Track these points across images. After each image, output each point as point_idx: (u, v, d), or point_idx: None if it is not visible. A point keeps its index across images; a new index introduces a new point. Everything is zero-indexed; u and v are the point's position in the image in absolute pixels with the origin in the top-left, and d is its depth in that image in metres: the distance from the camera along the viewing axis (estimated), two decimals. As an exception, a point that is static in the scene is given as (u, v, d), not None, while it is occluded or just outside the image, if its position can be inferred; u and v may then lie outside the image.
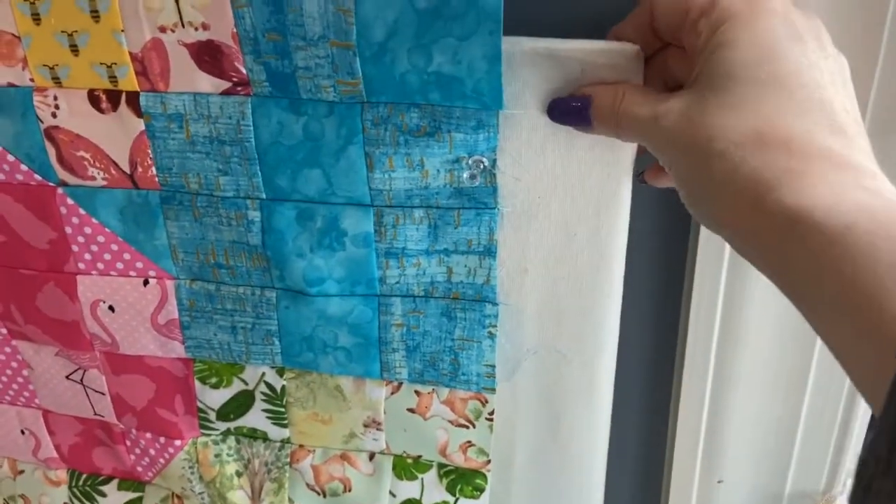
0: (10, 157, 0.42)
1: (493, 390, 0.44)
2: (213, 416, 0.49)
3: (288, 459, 0.49)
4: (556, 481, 0.47)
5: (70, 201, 0.43)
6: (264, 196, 0.41)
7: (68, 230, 0.44)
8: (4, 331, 0.49)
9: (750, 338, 0.46)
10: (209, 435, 0.50)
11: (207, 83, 0.38)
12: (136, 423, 0.50)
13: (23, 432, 0.53)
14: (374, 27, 0.35)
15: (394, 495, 0.49)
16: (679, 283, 0.45)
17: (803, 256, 0.26)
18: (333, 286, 0.43)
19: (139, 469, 0.52)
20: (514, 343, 0.43)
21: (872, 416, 0.24)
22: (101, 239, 0.44)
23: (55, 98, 0.40)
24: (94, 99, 0.40)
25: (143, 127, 0.40)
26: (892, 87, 0.39)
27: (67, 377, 0.50)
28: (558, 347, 0.43)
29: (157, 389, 0.49)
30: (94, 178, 0.42)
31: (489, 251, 0.41)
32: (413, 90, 0.36)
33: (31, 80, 0.40)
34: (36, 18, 0.38)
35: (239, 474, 0.51)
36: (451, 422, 0.46)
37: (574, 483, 0.47)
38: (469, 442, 0.46)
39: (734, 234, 0.30)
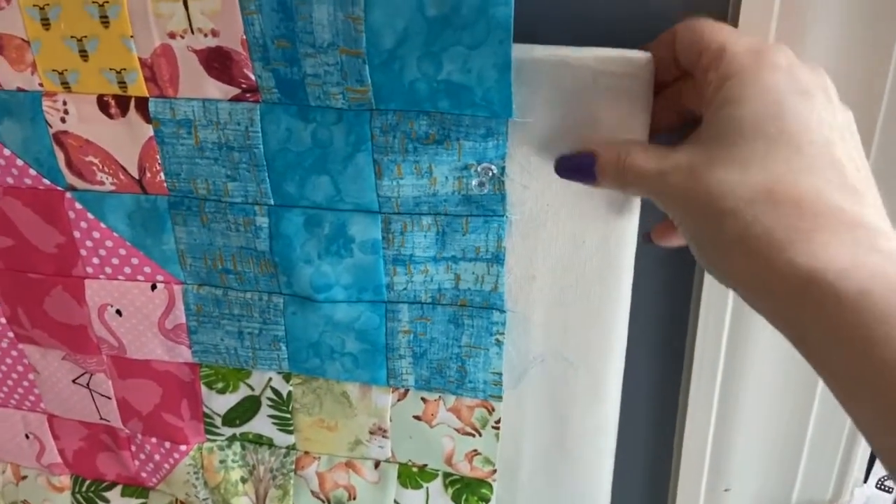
0: (19, 162, 0.42)
1: (499, 398, 0.44)
2: (218, 421, 0.49)
3: (293, 466, 0.49)
4: (563, 490, 0.46)
5: (78, 206, 0.43)
6: (272, 202, 0.41)
7: (76, 234, 0.44)
8: (11, 334, 0.49)
9: (758, 345, 0.45)
10: (215, 440, 0.50)
11: (216, 89, 0.38)
12: (142, 428, 0.50)
13: (27, 437, 0.53)
14: (383, 35, 0.35)
15: (399, 504, 0.49)
16: (687, 291, 0.45)
17: (817, 319, 0.26)
18: (341, 292, 0.42)
19: (143, 475, 0.52)
20: (521, 350, 0.43)
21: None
22: (109, 243, 0.44)
23: (64, 103, 0.40)
24: (103, 104, 0.40)
25: (151, 132, 0.40)
26: (892, 138, 0.39)
27: (74, 381, 0.50)
28: (565, 355, 0.43)
29: (163, 394, 0.48)
30: (102, 183, 0.42)
31: (497, 258, 0.41)
32: (422, 98, 0.36)
33: (41, 84, 0.40)
34: (45, 24, 0.38)
35: (244, 480, 0.50)
36: (457, 430, 0.45)
37: (581, 492, 0.46)
38: (475, 451, 0.46)
39: (746, 292, 0.29)
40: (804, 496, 0.52)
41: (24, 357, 0.50)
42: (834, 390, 0.27)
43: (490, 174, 0.39)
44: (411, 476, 0.48)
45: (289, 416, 0.48)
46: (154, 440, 0.50)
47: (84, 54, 0.38)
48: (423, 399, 0.45)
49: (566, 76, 0.36)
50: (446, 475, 0.47)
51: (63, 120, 0.41)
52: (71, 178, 0.42)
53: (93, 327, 0.46)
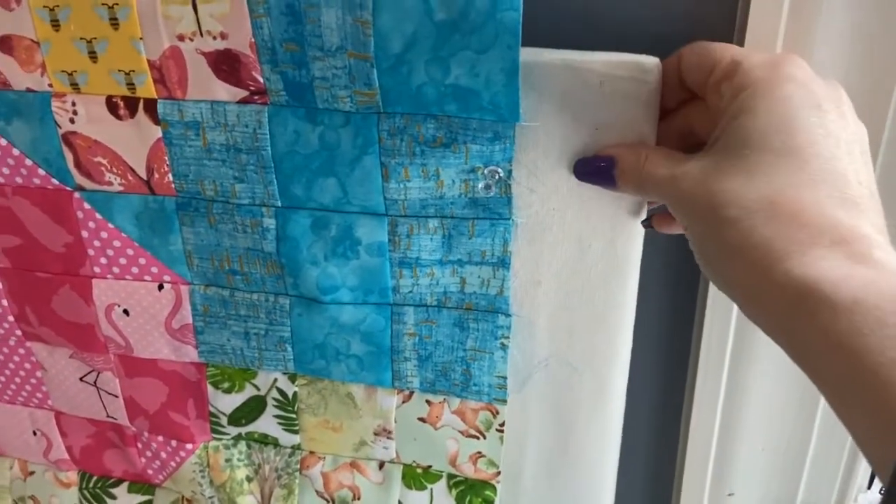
0: (28, 162, 0.43)
1: (504, 401, 0.44)
2: (224, 420, 0.49)
3: (298, 466, 0.49)
4: (566, 493, 0.46)
5: (87, 206, 0.43)
6: (279, 204, 0.41)
7: (84, 234, 0.44)
8: (19, 332, 0.49)
9: (763, 351, 0.45)
10: (220, 439, 0.50)
11: (225, 92, 0.38)
12: (149, 426, 0.50)
13: (35, 433, 0.54)
14: (391, 39, 0.35)
15: (403, 504, 0.49)
16: (692, 296, 0.45)
17: (811, 329, 0.26)
18: (347, 294, 0.43)
19: (150, 472, 0.52)
20: (526, 354, 0.43)
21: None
22: (116, 243, 0.44)
23: (73, 104, 0.40)
24: (111, 105, 0.40)
25: (160, 134, 0.40)
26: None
27: (81, 379, 0.50)
28: (570, 359, 0.43)
29: (169, 393, 0.49)
30: (110, 184, 0.42)
31: (503, 262, 0.41)
32: (430, 102, 0.36)
33: (50, 85, 0.40)
34: (55, 25, 0.38)
35: (249, 479, 0.51)
36: (461, 432, 0.46)
37: (584, 495, 0.46)
38: (479, 453, 0.46)
39: (743, 299, 0.30)
40: (808, 500, 0.52)
41: (31, 355, 0.50)
42: (828, 399, 0.27)
43: (497, 177, 0.39)
44: (415, 477, 0.48)
45: (294, 416, 0.48)
46: (160, 438, 0.50)
47: (93, 56, 0.39)
48: (427, 401, 0.45)
49: (574, 80, 0.36)
50: (450, 476, 0.48)
51: (72, 121, 0.41)
52: (79, 179, 0.43)
53: (100, 326, 0.47)
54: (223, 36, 0.37)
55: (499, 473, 0.47)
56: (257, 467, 0.50)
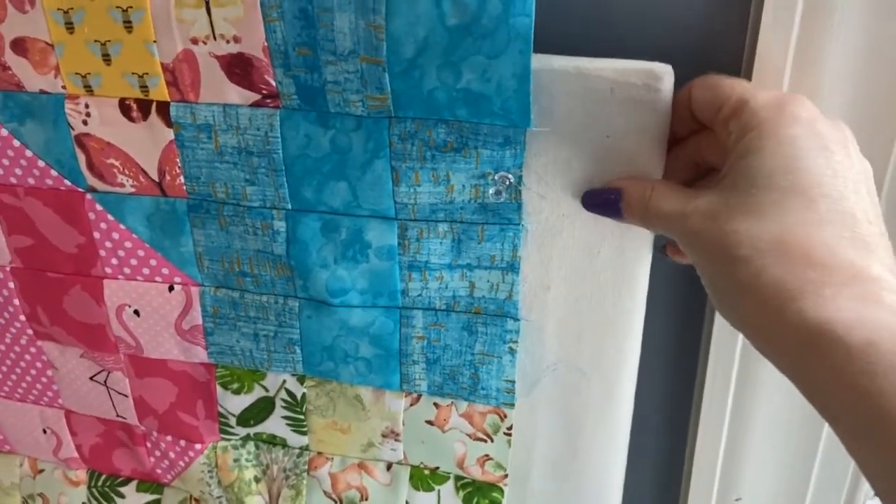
0: (41, 163, 0.43)
1: (511, 405, 0.44)
2: (233, 421, 0.49)
3: (306, 466, 0.50)
4: (574, 497, 0.47)
5: (98, 207, 0.43)
6: (290, 207, 0.41)
7: (96, 235, 0.44)
8: (31, 331, 0.49)
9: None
10: (229, 440, 0.50)
11: (237, 95, 0.39)
12: (158, 426, 0.50)
13: (45, 431, 0.54)
14: (404, 43, 0.35)
15: (410, 506, 0.49)
16: (701, 302, 0.45)
17: (824, 370, 0.26)
18: (356, 297, 0.43)
19: (159, 471, 0.53)
20: (535, 359, 0.43)
21: None
22: (128, 244, 0.44)
23: (86, 106, 0.41)
24: (124, 108, 0.40)
25: (172, 136, 0.40)
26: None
27: (91, 378, 0.50)
28: (578, 364, 0.43)
29: (178, 393, 0.49)
30: (122, 185, 0.43)
31: (512, 267, 0.41)
32: (441, 106, 0.37)
33: (63, 87, 0.41)
34: (69, 27, 0.39)
35: (257, 480, 0.51)
36: (469, 435, 0.46)
37: (591, 499, 0.46)
38: (487, 455, 0.46)
39: (755, 337, 0.30)
40: (816, 505, 0.52)
41: (42, 354, 0.50)
42: (840, 438, 0.27)
43: (507, 183, 0.39)
44: (423, 478, 0.48)
45: (302, 417, 0.48)
46: (169, 438, 0.51)
47: (107, 58, 0.39)
48: (435, 404, 0.45)
49: (585, 87, 0.36)
50: (458, 478, 0.48)
51: (85, 122, 0.41)
52: (92, 180, 0.43)
53: (111, 326, 0.47)
54: (236, 39, 0.37)
55: (506, 476, 0.47)
56: (265, 468, 0.51)
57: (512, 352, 0.43)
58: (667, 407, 0.49)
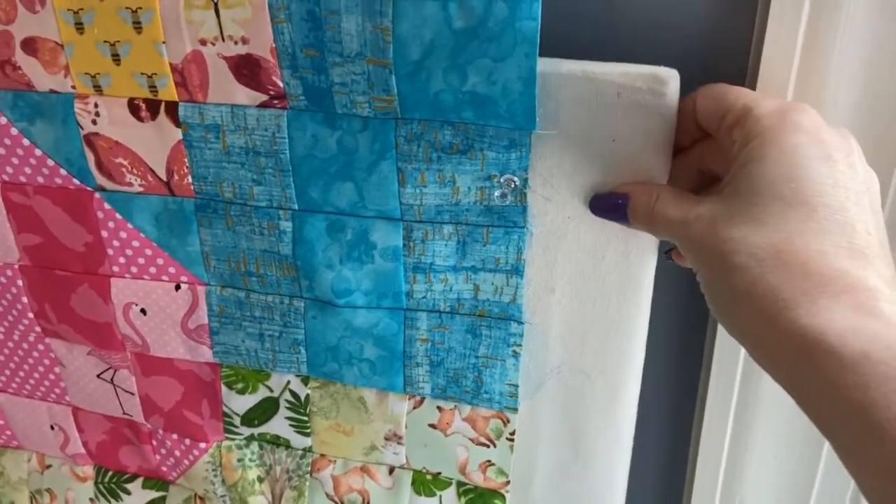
0: (50, 162, 0.43)
1: (514, 410, 0.44)
2: (237, 420, 0.49)
3: (309, 468, 0.50)
4: (576, 502, 0.46)
5: (107, 206, 0.44)
6: (296, 207, 0.41)
7: (104, 234, 0.45)
8: (39, 329, 0.50)
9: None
10: (233, 439, 0.50)
11: (245, 96, 0.39)
12: (163, 424, 0.51)
13: (52, 427, 0.54)
14: (410, 46, 0.35)
15: (412, 510, 0.49)
16: (705, 304, 0.45)
17: (818, 380, 0.26)
18: (361, 298, 0.43)
19: (164, 469, 0.53)
20: (538, 362, 0.43)
21: None
22: (135, 243, 0.45)
23: (96, 105, 0.41)
24: (133, 107, 0.41)
25: (180, 136, 0.41)
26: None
27: (98, 376, 0.51)
28: (582, 368, 0.43)
29: (184, 392, 0.49)
30: (131, 185, 0.43)
31: (517, 270, 0.41)
32: (447, 108, 0.37)
33: (73, 87, 0.41)
34: (79, 28, 0.39)
35: (260, 480, 0.51)
36: (471, 439, 0.46)
37: (594, 505, 0.46)
38: (489, 461, 0.46)
39: (750, 345, 0.30)
40: (821, 512, 0.51)
41: (50, 351, 0.51)
42: (835, 448, 0.27)
43: (512, 186, 0.39)
44: (425, 483, 0.48)
45: (306, 418, 0.48)
46: (175, 436, 0.51)
47: (116, 58, 0.39)
48: (438, 408, 0.45)
49: (591, 91, 0.36)
50: (460, 484, 0.48)
51: (94, 122, 0.41)
52: (100, 179, 0.43)
53: (118, 325, 0.47)
54: (244, 41, 0.37)
55: (508, 483, 0.47)
56: (269, 468, 0.51)
57: (515, 355, 0.43)
58: (670, 411, 0.49)
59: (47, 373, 0.52)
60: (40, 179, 0.44)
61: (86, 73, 0.40)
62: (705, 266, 0.32)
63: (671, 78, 0.35)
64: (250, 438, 0.50)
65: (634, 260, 0.40)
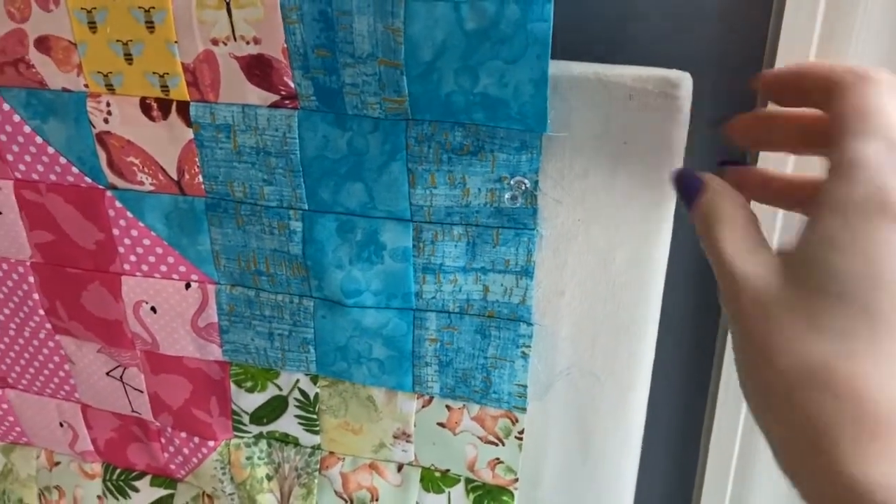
0: (62, 160, 0.44)
1: (523, 410, 0.44)
2: (246, 419, 0.50)
3: (318, 466, 0.50)
4: (584, 503, 0.46)
5: (118, 204, 0.44)
6: (307, 207, 0.41)
7: (115, 232, 0.45)
8: (49, 326, 0.50)
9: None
10: (242, 437, 0.51)
11: (256, 96, 0.39)
12: (172, 422, 0.51)
13: (61, 424, 0.55)
14: (422, 47, 0.35)
15: (420, 507, 0.49)
16: (716, 308, 0.45)
17: None
18: (370, 298, 0.43)
19: (172, 466, 0.53)
20: (547, 364, 0.43)
21: None
22: (146, 242, 0.45)
23: (108, 104, 0.41)
24: (145, 107, 0.41)
25: (191, 136, 0.41)
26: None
27: (108, 374, 0.51)
28: (592, 370, 0.43)
29: (193, 390, 0.49)
30: (142, 183, 0.43)
31: (526, 271, 0.41)
32: (458, 110, 0.37)
33: (86, 85, 0.41)
34: (92, 27, 0.39)
35: (269, 478, 0.51)
36: (480, 438, 0.46)
37: (602, 505, 0.46)
38: (498, 459, 0.46)
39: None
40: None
41: (60, 348, 0.51)
42: None
43: (523, 188, 0.39)
44: (433, 480, 0.48)
45: (315, 417, 0.48)
46: (183, 434, 0.51)
47: (129, 58, 0.39)
48: (447, 407, 0.45)
49: (603, 93, 0.36)
50: (468, 481, 0.48)
51: (106, 121, 0.42)
52: (112, 178, 0.43)
53: (128, 323, 0.47)
54: (256, 41, 0.37)
55: (516, 480, 0.47)
56: (277, 466, 0.51)
57: (525, 356, 0.43)
58: (680, 413, 0.49)
59: (57, 370, 0.52)
60: (52, 177, 0.44)
61: (98, 72, 0.40)
62: (741, 345, 0.27)
63: (683, 81, 0.35)
64: (259, 436, 0.50)
65: (645, 262, 0.40)
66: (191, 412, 0.50)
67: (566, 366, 0.43)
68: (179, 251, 0.45)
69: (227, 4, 0.37)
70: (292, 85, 0.38)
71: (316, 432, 0.49)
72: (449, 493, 0.48)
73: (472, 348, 0.43)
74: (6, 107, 0.43)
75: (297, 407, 0.48)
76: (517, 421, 0.45)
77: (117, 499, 0.56)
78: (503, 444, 0.46)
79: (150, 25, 0.38)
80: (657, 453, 0.49)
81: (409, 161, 0.39)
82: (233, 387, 0.49)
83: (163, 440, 0.52)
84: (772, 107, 0.34)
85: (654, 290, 0.40)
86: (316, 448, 0.50)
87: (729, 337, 0.44)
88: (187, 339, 0.47)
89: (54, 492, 0.57)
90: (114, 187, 0.44)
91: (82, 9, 0.39)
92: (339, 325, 0.44)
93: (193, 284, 0.46)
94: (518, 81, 0.35)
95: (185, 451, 0.52)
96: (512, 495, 0.47)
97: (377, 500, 0.50)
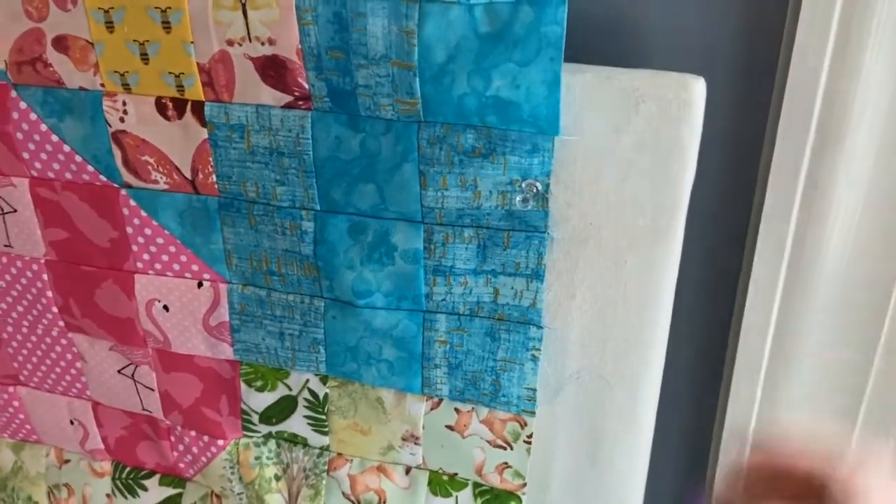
0: (78, 158, 0.44)
1: (532, 413, 0.44)
2: (256, 418, 0.50)
3: (326, 467, 0.50)
4: (592, 508, 0.46)
5: (132, 203, 0.44)
6: (319, 207, 0.42)
7: (129, 230, 0.45)
8: (62, 323, 0.50)
9: (800, 368, 0.45)
10: (251, 437, 0.51)
11: (270, 96, 0.39)
12: (182, 421, 0.51)
13: (72, 422, 0.55)
14: (435, 49, 0.35)
15: (428, 510, 0.49)
16: (727, 311, 0.45)
17: None
18: (380, 299, 0.43)
19: (181, 465, 0.53)
20: (557, 367, 0.43)
21: None
22: (159, 240, 0.45)
23: (124, 103, 0.42)
24: (160, 106, 0.41)
25: (206, 135, 0.41)
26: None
27: (119, 371, 0.51)
28: (601, 373, 0.43)
29: (203, 389, 0.50)
30: (156, 182, 0.43)
31: (537, 275, 0.41)
32: (470, 112, 0.37)
33: (102, 85, 0.41)
34: (109, 27, 0.39)
35: (277, 478, 0.51)
36: (488, 441, 0.46)
37: (610, 511, 0.46)
38: (506, 463, 0.46)
39: None
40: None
41: (73, 345, 0.51)
42: None
43: (534, 191, 0.39)
44: (441, 484, 0.48)
45: (324, 417, 0.48)
46: (193, 433, 0.51)
47: (145, 58, 0.40)
48: (456, 409, 0.45)
49: (615, 97, 0.36)
50: (476, 485, 0.48)
51: (122, 120, 0.42)
52: (127, 176, 0.44)
53: (140, 321, 0.48)
54: (271, 42, 0.37)
55: (524, 485, 0.46)
56: (286, 466, 0.51)
57: (534, 359, 0.43)
58: (689, 417, 0.49)
59: (69, 367, 0.53)
60: (68, 175, 0.45)
61: (115, 72, 0.41)
62: None
63: (697, 85, 0.35)
64: (268, 436, 0.51)
65: (656, 266, 0.40)
66: (201, 411, 0.50)
67: (576, 369, 0.43)
68: (192, 250, 0.45)
69: (243, 5, 0.37)
70: (306, 86, 0.38)
71: (325, 433, 0.49)
72: (457, 496, 0.48)
73: (482, 351, 0.43)
74: (23, 105, 0.43)
75: (307, 407, 0.48)
76: (526, 425, 0.45)
77: (126, 497, 0.56)
78: (511, 448, 0.46)
79: (167, 26, 0.38)
80: (666, 457, 0.49)
81: (421, 163, 0.39)
82: (243, 386, 0.49)
83: (172, 438, 0.52)
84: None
85: (664, 293, 0.40)
86: (324, 449, 0.50)
87: (738, 344, 0.44)
88: (199, 337, 0.48)
89: (63, 489, 0.57)
90: (128, 186, 0.44)
91: (100, 9, 0.39)
92: (349, 326, 0.44)
93: (206, 283, 0.46)
94: (531, 84, 0.35)
95: (195, 449, 0.52)
96: (520, 500, 0.47)
97: (385, 502, 0.49)
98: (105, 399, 0.53)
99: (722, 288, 0.44)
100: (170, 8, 0.38)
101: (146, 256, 0.46)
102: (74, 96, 0.42)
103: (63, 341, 0.51)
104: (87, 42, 0.40)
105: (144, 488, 0.55)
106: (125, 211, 0.44)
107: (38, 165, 0.45)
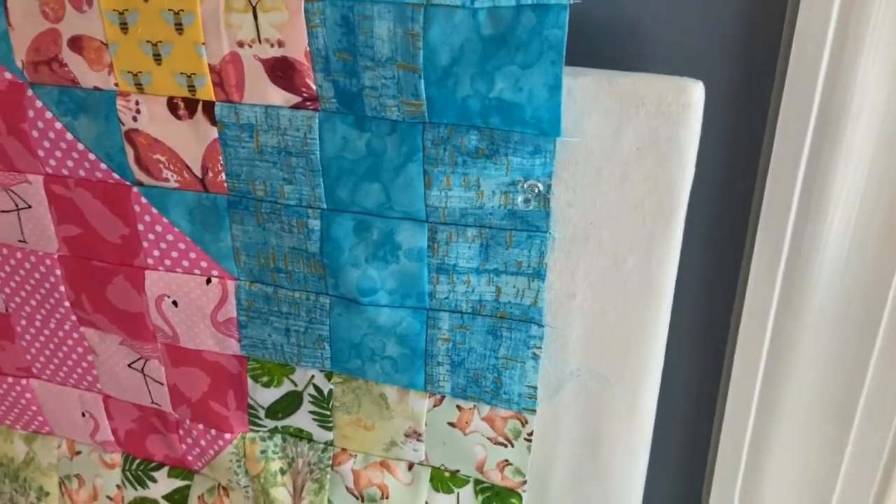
0: (91, 156, 0.45)
1: (533, 411, 0.45)
2: (262, 413, 0.51)
3: (330, 462, 0.51)
4: (592, 505, 0.47)
5: (144, 200, 0.45)
6: (325, 206, 0.42)
7: (140, 227, 0.46)
8: (74, 318, 0.51)
9: (798, 366, 0.45)
10: (257, 431, 0.52)
11: (279, 97, 0.40)
12: (190, 414, 0.52)
13: (83, 415, 0.56)
14: (440, 52, 0.36)
15: (429, 506, 0.50)
16: (726, 310, 0.45)
17: None
18: (385, 297, 0.44)
19: (190, 458, 0.54)
20: (558, 365, 0.44)
21: None
22: (170, 237, 0.46)
23: (137, 103, 0.43)
24: (172, 106, 0.42)
25: (216, 135, 0.42)
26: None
27: (129, 365, 0.52)
28: (602, 371, 0.43)
29: (211, 383, 0.51)
30: (167, 180, 0.44)
31: (538, 274, 0.41)
32: (474, 114, 0.37)
33: (116, 84, 0.42)
34: (124, 28, 0.40)
35: (283, 472, 0.52)
36: (490, 439, 0.46)
37: (609, 508, 0.47)
38: (506, 461, 0.47)
39: None
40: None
41: (84, 340, 0.52)
42: None
43: (536, 191, 0.39)
44: (443, 480, 0.49)
45: (328, 413, 0.49)
46: (201, 426, 0.52)
47: (158, 58, 0.41)
48: (458, 407, 0.46)
49: (616, 99, 0.37)
50: (477, 482, 0.48)
51: (135, 119, 0.43)
52: (139, 174, 0.45)
53: (150, 316, 0.49)
54: (280, 44, 0.38)
55: (525, 482, 0.47)
56: (291, 460, 0.52)
57: (535, 357, 0.43)
58: (689, 416, 0.49)
59: (80, 360, 0.54)
60: (82, 173, 0.46)
61: (128, 72, 0.42)
62: None
63: (695, 88, 0.35)
64: (274, 431, 0.51)
65: (656, 266, 0.40)
66: (208, 405, 0.51)
67: (576, 368, 0.43)
68: (201, 247, 0.46)
69: (254, 8, 0.38)
70: (314, 87, 0.39)
71: (329, 428, 0.50)
72: (458, 493, 0.49)
73: (484, 349, 0.44)
74: (39, 104, 0.44)
75: (312, 403, 0.49)
76: (527, 422, 0.45)
77: (136, 489, 0.57)
78: (512, 446, 0.46)
79: (179, 27, 0.39)
80: (665, 455, 0.50)
81: (426, 163, 0.40)
82: (249, 381, 0.50)
83: (181, 432, 0.53)
84: None
85: (664, 292, 0.41)
86: (329, 444, 0.51)
87: (738, 342, 0.44)
88: (207, 333, 0.49)
89: (74, 480, 0.59)
90: (140, 183, 0.45)
91: (114, 10, 0.40)
92: (353, 323, 0.45)
93: (214, 280, 0.47)
94: (533, 86, 0.36)
95: (203, 442, 0.53)
96: (520, 497, 0.48)
97: (387, 497, 0.50)
98: (115, 392, 0.54)
99: (721, 288, 0.45)
100: (182, 10, 0.39)
101: (156, 253, 0.47)
102: (89, 96, 0.43)
103: (75, 335, 0.52)
104: (101, 43, 0.41)
105: (154, 480, 0.56)
106: (136, 208, 0.46)
107: (52, 163, 0.46)
